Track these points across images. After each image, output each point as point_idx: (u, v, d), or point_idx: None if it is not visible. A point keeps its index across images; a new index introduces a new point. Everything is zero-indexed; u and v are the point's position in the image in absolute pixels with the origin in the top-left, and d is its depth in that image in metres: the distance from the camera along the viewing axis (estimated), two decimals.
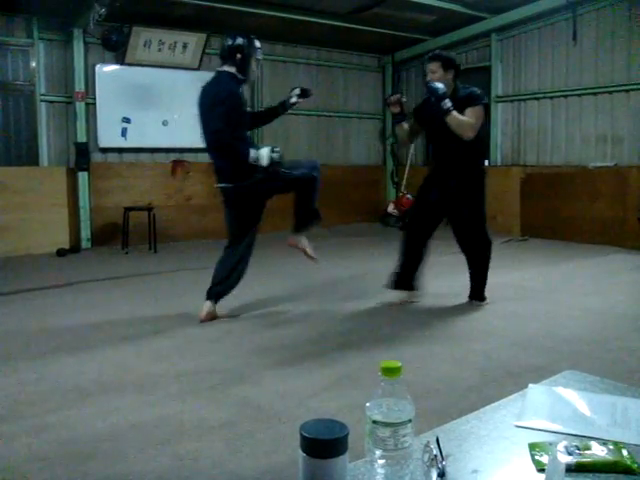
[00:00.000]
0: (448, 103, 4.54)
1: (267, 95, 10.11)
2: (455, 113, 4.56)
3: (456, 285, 5.58)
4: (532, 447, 1.25)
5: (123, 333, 4.33)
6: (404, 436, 1.04)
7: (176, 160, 9.21)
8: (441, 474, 1.11)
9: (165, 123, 9.08)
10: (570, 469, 1.17)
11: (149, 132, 8.98)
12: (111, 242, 8.51)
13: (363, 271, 6.53)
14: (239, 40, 4.48)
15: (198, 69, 9.17)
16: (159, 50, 8.77)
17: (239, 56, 4.47)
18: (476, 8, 9.20)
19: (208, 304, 4.64)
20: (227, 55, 4.52)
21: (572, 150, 9.07)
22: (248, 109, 5.18)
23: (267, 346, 4.01)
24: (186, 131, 9.19)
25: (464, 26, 9.86)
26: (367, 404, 1.06)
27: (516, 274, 5.98)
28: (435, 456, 1.15)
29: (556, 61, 9.21)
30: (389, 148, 11.55)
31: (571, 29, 8.87)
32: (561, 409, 1.44)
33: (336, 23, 9.27)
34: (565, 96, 9.13)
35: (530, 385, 1.58)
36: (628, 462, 1.19)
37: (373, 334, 4.27)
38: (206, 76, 9.02)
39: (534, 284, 5.75)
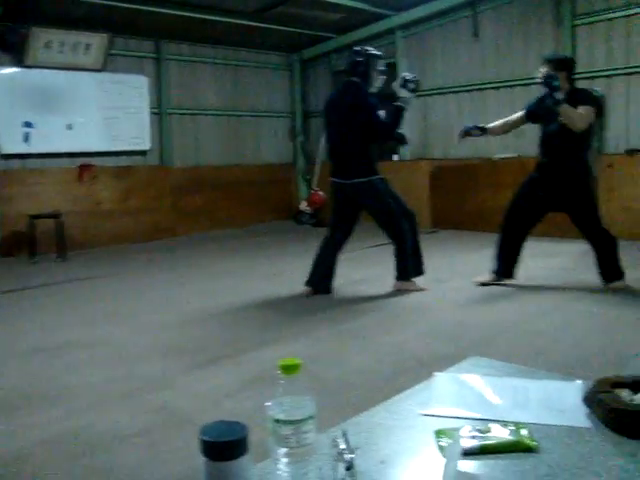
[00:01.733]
0: (560, 95, 4.76)
1: (174, 96, 9.95)
2: (566, 105, 4.77)
3: (371, 277, 5.67)
4: (438, 434, 1.28)
5: (33, 345, 4.18)
6: (306, 433, 1.04)
7: (83, 165, 8.94)
8: (348, 467, 1.12)
9: (70, 127, 8.80)
10: (474, 452, 1.20)
11: (53, 137, 8.66)
12: (19, 251, 8.18)
13: (278, 269, 6.53)
14: (359, 56, 5.14)
15: (102, 70, 8.94)
16: (60, 51, 8.48)
17: (362, 69, 5.10)
18: (380, 6, 9.33)
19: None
20: (351, 69, 5.17)
21: (477, 143, 9.33)
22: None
23: (182, 348, 3.96)
24: (92, 135, 8.95)
25: (370, 23, 9.99)
26: (268, 403, 1.06)
27: (426, 265, 6.08)
28: (343, 450, 1.15)
29: (459, 57, 9.46)
30: (299, 146, 11.59)
31: (472, 26, 9.14)
32: (465, 395, 1.48)
33: (242, 22, 9.21)
34: (468, 91, 9.40)
35: (435, 373, 1.61)
36: (527, 441, 1.23)
37: (289, 331, 4.28)
38: (111, 78, 9.03)
39: (443, 275, 5.88)
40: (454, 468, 0.99)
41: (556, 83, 4.79)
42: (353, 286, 5.55)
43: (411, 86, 5.14)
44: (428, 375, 1.65)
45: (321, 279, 5.34)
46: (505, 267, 5.40)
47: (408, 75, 5.21)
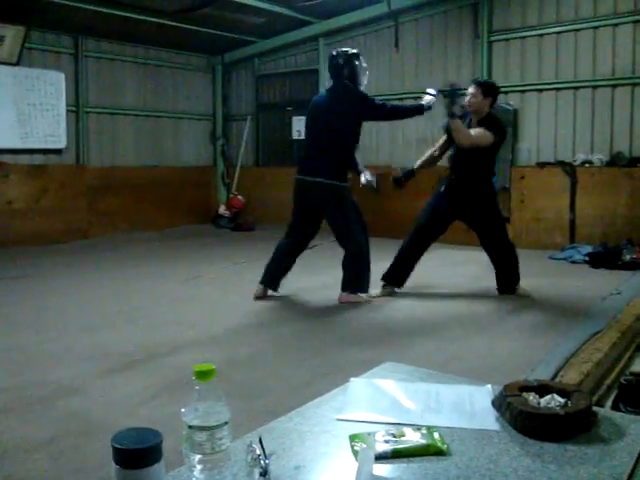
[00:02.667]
0: (457, 111, 4.93)
1: (93, 94, 9.70)
2: (458, 121, 4.92)
3: (289, 283, 5.67)
4: (352, 438, 1.29)
5: None
6: (221, 439, 1.04)
7: None
8: (263, 473, 1.12)
9: None
10: (386, 456, 1.22)
11: None
12: None
13: (196, 273, 6.45)
14: (339, 59, 5.11)
15: (17, 64, 8.59)
16: None
17: (346, 72, 5.08)
18: (305, 12, 9.38)
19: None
20: (336, 74, 5.15)
21: (395, 151, 9.52)
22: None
23: (95, 353, 3.85)
24: (5, 131, 8.59)
25: (294, 29, 10.04)
26: (182, 409, 1.05)
27: (334, 273, 6.06)
28: (258, 456, 1.15)
29: (380, 66, 9.60)
30: (219, 149, 11.51)
31: (393, 36, 9.31)
32: (380, 400, 1.50)
33: (165, 22, 9.06)
34: (388, 100, 9.53)
35: (351, 379, 1.63)
36: (439, 444, 1.26)
37: (205, 335, 4.23)
38: (26, 72, 8.66)
39: None
40: (369, 472, 1.01)
41: (457, 95, 4.98)
42: (273, 293, 5.53)
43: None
44: (345, 380, 1.67)
45: (275, 278, 5.28)
46: (400, 276, 5.46)
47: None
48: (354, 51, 5.23)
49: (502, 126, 5.29)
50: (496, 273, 5.37)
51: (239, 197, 10.86)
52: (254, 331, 4.38)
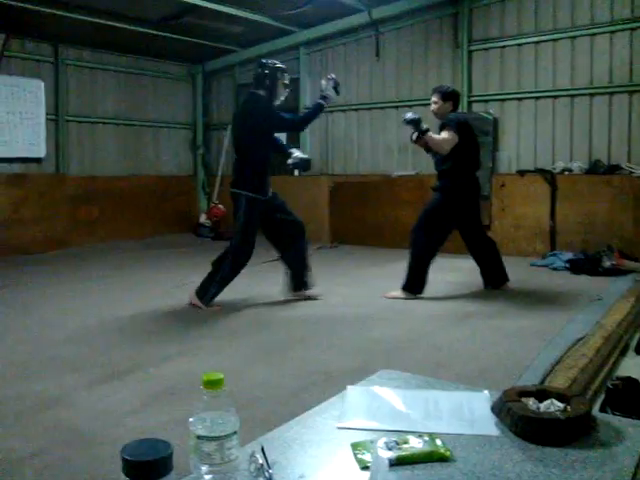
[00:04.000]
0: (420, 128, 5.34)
1: (73, 102, 9.64)
2: (430, 133, 5.35)
3: (271, 292, 5.65)
4: (354, 447, 1.29)
5: None
6: (230, 449, 1.03)
7: None
8: None
9: None
10: (391, 463, 1.22)
11: None
12: None
13: (179, 282, 6.41)
14: (265, 68, 5.19)
15: None
16: None
17: (268, 82, 5.15)
18: (285, 22, 9.40)
19: None
20: (257, 82, 5.21)
21: (377, 160, 9.55)
22: None
23: (80, 364, 3.81)
24: None
25: (274, 38, 10.06)
26: (190, 419, 1.04)
27: (326, 279, 6.13)
28: (261, 465, 1.15)
29: (361, 75, 9.65)
30: (200, 158, 11.49)
31: (374, 46, 9.36)
32: (379, 407, 1.50)
33: (146, 30, 9.05)
34: (369, 109, 9.60)
35: (348, 387, 1.63)
36: (442, 451, 1.27)
37: (191, 345, 4.20)
38: (5, 80, 8.55)
39: (344, 289, 5.95)
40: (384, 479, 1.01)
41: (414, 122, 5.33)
42: (254, 301, 5.52)
43: (338, 89, 5.38)
44: (335, 388, 1.67)
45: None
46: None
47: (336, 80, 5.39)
48: (281, 65, 5.29)
49: (458, 120, 5.50)
50: (486, 270, 5.74)
51: (220, 206, 10.83)
52: (237, 341, 4.35)
